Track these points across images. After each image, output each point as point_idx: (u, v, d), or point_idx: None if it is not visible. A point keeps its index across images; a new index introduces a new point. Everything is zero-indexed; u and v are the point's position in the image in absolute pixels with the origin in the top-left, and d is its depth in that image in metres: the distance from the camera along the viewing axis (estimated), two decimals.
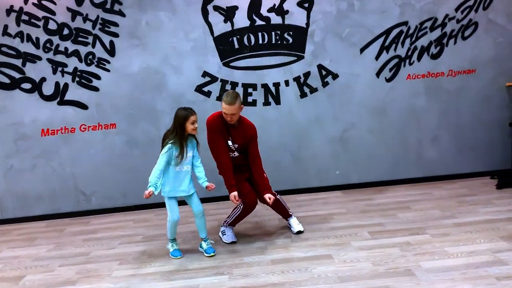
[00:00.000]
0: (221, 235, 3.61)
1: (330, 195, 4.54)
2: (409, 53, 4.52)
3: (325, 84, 4.51)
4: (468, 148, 4.70)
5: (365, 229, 3.53)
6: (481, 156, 4.71)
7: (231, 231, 3.59)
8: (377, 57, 4.50)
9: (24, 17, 4.24)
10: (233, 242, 3.50)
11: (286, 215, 3.69)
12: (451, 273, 2.69)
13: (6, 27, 4.23)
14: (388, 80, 4.55)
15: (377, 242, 3.26)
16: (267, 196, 3.35)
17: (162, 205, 4.44)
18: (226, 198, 4.31)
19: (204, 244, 3.33)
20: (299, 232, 3.57)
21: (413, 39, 4.49)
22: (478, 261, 2.82)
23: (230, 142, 3.36)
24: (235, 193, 3.31)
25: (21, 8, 4.22)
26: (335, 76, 4.51)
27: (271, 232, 3.64)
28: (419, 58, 4.53)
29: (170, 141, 3.12)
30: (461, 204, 3.94)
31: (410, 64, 4.53)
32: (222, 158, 3.33)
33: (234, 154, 3.42)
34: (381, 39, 4.47)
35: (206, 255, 3.25)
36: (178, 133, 3.11)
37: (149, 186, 3.07)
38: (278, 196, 3.56)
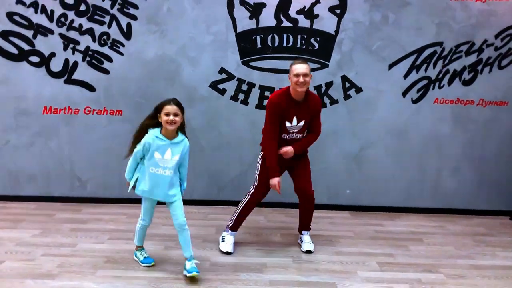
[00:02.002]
0: (220, 240, 3.36)
1: (337, 215, 4.28)
2: (440, 76, 4.25)
3: (347, 97, 4.25)
4: (489, 184, 4.42)
5: (374, 258, 3.26)
6: (502, 194, 4.43)
7: (232, 239, 3.35)
8: (405, 76, 4.24)
9: None
10: (227, 253, 3.24)
11: (305, 225, 3.46)
12: None
13: None
14: (415, 101, 4.28)
15: (386, 275, 2.99)
16: (288, 148, 3.16)
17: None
18: (226, 203, 4.07)
19: (187, 264, 2.81)
20: (308, 252, 3.32)
21: (447, 61, 4.22)
22: None
23: (294, 122, 3.16)
24: (277, 179, 3.12)
25: None
26: (358, 90, 4.25)
27: (272, 249, 3.38)
28: (449, 83, 4.26)
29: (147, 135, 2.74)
30: (478, 244, 3.66)
31: (440, 87, 4.27)
32: (271, 142, 3.16)
33: (290, 136, 3.20)
34: (413, 57, 4.21)
35: (188, 274, 2.75)
36: (150, 120, 2.77)
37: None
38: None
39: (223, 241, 3.32)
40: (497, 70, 4.25)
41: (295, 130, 3.21)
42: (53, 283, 2.70)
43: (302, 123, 3.19)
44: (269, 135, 3.16)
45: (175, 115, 2.67)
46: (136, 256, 3.04)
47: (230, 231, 3.39)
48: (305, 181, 3.30)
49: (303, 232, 3.48)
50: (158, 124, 2.76)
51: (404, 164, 4.38)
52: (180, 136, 2.78)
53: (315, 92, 4.11)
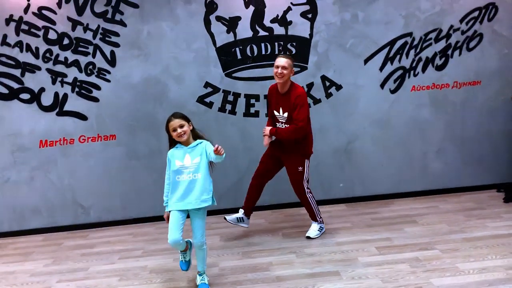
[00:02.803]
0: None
1: (334, 208, 4.45)
2: (414, 65, 4.47)
3: (328, 95, 4.45)
4: (474, 161, 4.63)
5: (372, 244, 3.44)
6: (487, 168, 4.64)
7: (242, 217, 3.79)
8: (381, 68, 4.45)
9: (24, 26, 4.17)
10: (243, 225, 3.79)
11: (312, 217, 3.78)
12: None
13: (5, 36, 4.16)
14: (393, 91, 4.49)
15: (385, 258, 3.17)
16: (267, 128, 3.58)
17: (162, 218, 4.38)
18: (226, 211, 4.22)
19: (198, 279, 2.96)
20: (308, 238, 3.65)
21: (418, 50, 4.44)
22: (490, 278, 2.74)
23: (280, 112, 3.53)
24: (267, 129, 3.58)
25: (20, 18, 4.16)
26: (338, 87, 4.45)
27: (275, 248, 3.54)
28: (423, 70, 4.48)
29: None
30: (469, 218, 3.85)
31: (415, 75, 4.49)
32: (268, 118, 3.76)
33: (280, 125, 3.56)
34: (385, 50, 4.43)
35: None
36: (170, 143, 2.96)
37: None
38: (308, 195, 3.70)
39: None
40: (466, 53, 4.48)
41: (283, 121, 3.55)
42: None
43: (286, 114, 3.51)
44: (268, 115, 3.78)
45: (181, 126, 2.82)
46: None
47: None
48: (293, 182, 3.69)
49: (312, 222, 3.80)
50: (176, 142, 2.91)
51: (390, 152, 4.58)
52: (195, 142, 2.90)
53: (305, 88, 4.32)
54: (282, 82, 3.45)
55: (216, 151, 2.71)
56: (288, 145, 3.57)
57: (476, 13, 4.41)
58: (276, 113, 3.58)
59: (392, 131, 4.55)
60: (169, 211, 2.87)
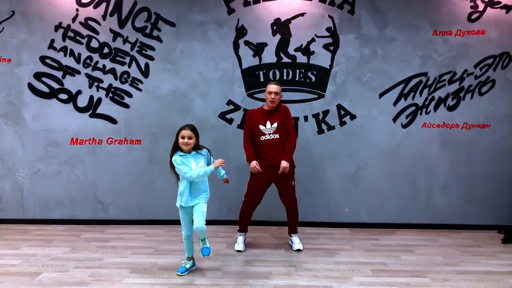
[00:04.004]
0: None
1: (337, 231, 4.65)
2: (426, 103, 4.71)
3: (342, 123, 4.71)
4: (477, 200, 4.79)
5: (368, 266, 3.64)
6: (489, 209, 4.79)
7: (242, 239, 4.06)
8: (395, 103, 4.70)
9: (70, 34, 4.59)
10: (238, 251, 3.95)
11: (293, 229, 4.11)
12: None
13: (52, 41, 4.59)
14: (404, 126, 4.73)
15: (378, 279, 3.36)
16: (282, 163, 3.84)
17: (174, 222, 4.66)
18: (235, 222, 4.46)
19: (200, 243, 3.34)
20: (299, 250, 3.93)
21: (431, 89, 4.68)
22: None
23: (267, 125, 3.89)
24: (255, 162, 3.87)
25: (68, 26, 4.59)
26: (353, 117, 4.71)
27: (276, 261, 3.76)
28: (435, 109, 4.71)
29: (171, 159, 3.29)
30: (465, 253, 4.01)
31: (427, 113, 4.72)
32: (246, 142, 3.98)
33: (268, 137, 3.89)
34: (401, 87, 4.68)
35: (202, 256, 3.33)
36: (173, 147, 3.31)
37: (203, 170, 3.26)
38: (297, 206, 4.09)
39: (236, 242, 4.09)
40: (478, 96, 4.70)
41: (271, 132, 3.91)
42: None
43: (275, 124, 3.90)
44: (244, 139, 3.99)
45: (189, 138, 3.23)
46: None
47: (239, 232, 4.14)
48: (287, 194, 4.02)
49: (292, 234, 4.13)
50: (180, 149, 3.30)
51: (397, 183, 4.78)
52: (193, 152, 3.32)
53: (320, 114, 4.60)
54: (274, 106, 3.89)
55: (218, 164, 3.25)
56: (278, 158, 3.89)
57: (490, 60, 4.64)
58: (262, 127, 3.90)
59: (400, 163, 4.76)
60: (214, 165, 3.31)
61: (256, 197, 4.01)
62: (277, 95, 3.86)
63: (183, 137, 3.22)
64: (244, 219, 4.10)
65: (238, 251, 3.95)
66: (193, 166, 3.25)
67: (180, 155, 3.27)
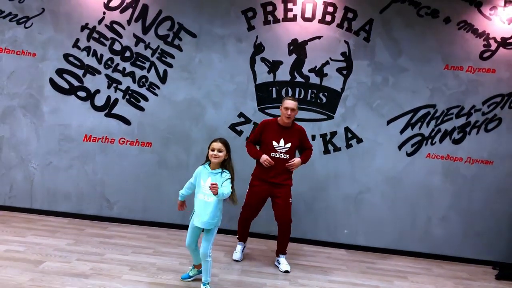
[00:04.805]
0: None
1: (334, 251, 4.73)
2: (433, 134, 4.81)
3: (349, 145, 4.83)
4: (475, 234, 4.85)
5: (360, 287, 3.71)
6: (486, 244, 4.84)
7: (240, 248, 4.15)
8: (401, 131, 4.81)
9: (95, 35, 4.77)
10: (235, 260, 4.03)
11: (282, 249, 4.06)
12: None
13: (77, 40, 4.77)
14: (409, 154, 4.83)
15: None
16: (296, 159, 3.96)
17: (176, 226, 4.79)
18: (235, 232, 4.56)
19: (191, 266, 3.46)
20: (286, 272, 3.90)
21: (439, 121, 4.79)
22: None
23: (281, 143, 3.92)
24: (265, 155, 3.90)
25: (94, 27, 4.77)
26: (359, 141, 4.82)
27: (272, 273, 3.86)
28: (441, 140, 4.81)
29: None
30: (457, 286, 4.08)
31: (432, 144, 4.82)
32: (249, 144, 4.09)
33: (279, 155, 3.93)
34: (409, 116, 4.80)
35: (181, 278, 3.40)
36: (206, 157, 3.33)
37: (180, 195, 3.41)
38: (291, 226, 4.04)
39: (234, 251, 4.19)
40: (483, 133, 4.79)
41: (283, 151, 3.93)
42: (87, 281, 3.22)
43: (289, 145, 3.93)
44: (249, 140, 4.10)
45: (219, 151, 3.21)
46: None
47: (239, 241, 4.23)
48: (285, 211, 3.96)
49: (280, 255, 4.08)
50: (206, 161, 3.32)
51: (397, 209, 4.86)
52: (220, 169, 3.24)
53: (328, 135, 4.71)
54: (290, 122, 3.94)
55: (212, 187, 3.04)
56: (282, 179, 3.94)
57: (498, 99, 4.75)
58: (275, 143, 3.92)
59: (402, 191, 4.85)
60: (182, 201, 3.43)
61: (253, 209, 4.06)
62: (293, 111, 3.88)
63: (213, 150, 3.21)
64: (242, 229, 4.18)
65: (235, 260, 4.04)
66: (207, 184, 3.12)
67: (204, 167, 3.27)
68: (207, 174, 3.25)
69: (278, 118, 4.02)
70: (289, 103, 3.87)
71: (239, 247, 4.18)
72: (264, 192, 3.99)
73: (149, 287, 3.25)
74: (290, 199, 4.00)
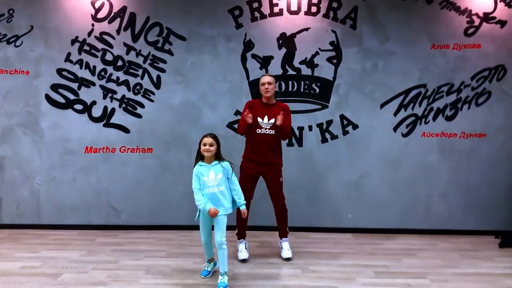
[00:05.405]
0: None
1: (341, 236, 4.84)
2: (426, 113, 4.92)
3: (345, 132, 4.93)
4: (475, 207, 4.98)
5: (371, 268, 3.83)
6: (487, 215, 4.97)
7: (243, 246, 4.12)
8: (395, 114, 4.92)
9: (86, 47, 4.83)
10: (243, 260, 3.97)
11: (283, 231, 4.15)
12: None
13: (69, 54, 4.82)
14: (404, 135, 4.94)
15: (380, 280, 3.55)
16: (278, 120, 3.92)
17: (184, 227, 4.89)
18: (250, 228, 4.66)
19: (219, 278, 3.39)
20: (288, 259, 3.99)
21: (430, 100, 4.90)
22: None
23: (265, 119, 3.98)
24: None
25: (84, 40, 4.82)
26: (355, 127, 4.92)
27: (284, 263, 3.96)
28: (434, 119, 4.92)
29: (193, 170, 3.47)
30: (463, 257, 4.20)
31: (426, 123, 4.93)
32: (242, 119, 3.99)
33: (264, 131, 3.98)
34: (401, 98, 4.90)
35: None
36: (196, 156, 3.52)
37: (203, 206, 3.36)
38: (285, 204, 4.13)
39: (238, 251, 4.11)
40: (474, 107, 4.91)
41: (268, 127, 3.98)
42: None
43: (273, 120, 3.97)
44: (241, 119, 4.01)
45: (210, 145, 3.41)
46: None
47: (239, 239, 4.21)
48: (275, 189, 4.08)
49: (282, 239, 4.17)
50: (202, 158, 3.48)
51: (398, 190, 4.98)
52: (216, 161, 3.47)
53: (324, 124, 4.81)
54: (270, 95, 4.00)
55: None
56: (271, 157, 4.01)
57: (486, 73, 4.87)
58: (260, 120, 3.97)
59: (400, 171, 4.96)
60: (210, 208, 3.35)
61: (248, 192, 3.98)
62: (270, 84, 3.96)
63: (204, 144, 3.41)
64: (240, 222, 4.17)
65: (243, 260, 3.97)
66: (211, 177, 3.40)
67: (200, 165, 3.44)
68: (206, 168, 3.43)
69: (262, 97, 4.10)
70: (265, 78, 4.00)
71: (241, 246, 4.12)
72: (254, 171, 4.03)
73: (167, 287, 3.34)
74: (281, 179, 4.08)
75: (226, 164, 3.50)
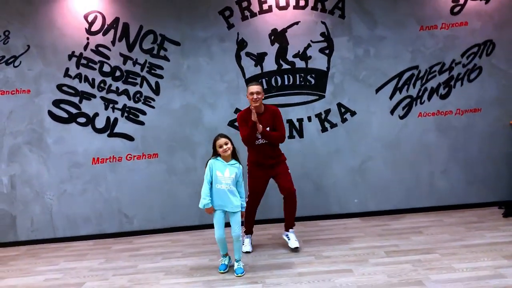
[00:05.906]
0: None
1: (349, 221, 4.97)
2: (420, 94, 5.04)
3: (344, 120, 5.04)
4: (477, 180, 5.11)
5: (382, 249, 3.95)
6: (489, 187, 5.10)
7: (249, 241, 4.24)
8: (391, 97, 5.03)
9: (83, 61, 4.92)
10: (247, 252, 4.10)
11: (290, 222, 4.19)
12: (456, 284, 3.10)
13: (67, 69, 4.92)
14: (401, 117, 5.06)
15: (392, 259, 3.68)
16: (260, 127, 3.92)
17: (196, 227, 5.01)
18: (260, 222, 4.77)
19: (235, 265, 3.65)
20: (296, 249, 4.07)
21: (424, 81, 5.02)
22: (480, 274, 3.22)
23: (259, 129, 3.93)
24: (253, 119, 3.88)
25: (81, 54, 4.92)
26: (353, 113, 5.04)
27: (297, 252, 4.07)
28: (429, 98, 5.04)
29: (207, 162, 3.62)
30: (469, 229, 4.33)
31: (421, 103, 5.05)
32: (244, 134, 4.01)
33: (261, 141, 4.02)
34: (395, 81, 5.02)
35: (235, 275, 3.60)
36: (212, 155, 3.65)
37: (206, 202, 3.53)
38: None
39: (243, 244, 4.17)
40: (467, 84, 5.03)
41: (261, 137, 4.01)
42: None
43: (267, 129, 3.99)
44: (242, 133, 4.03)
45: (226, 144, 3.56)
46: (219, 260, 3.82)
47: (246, 234, 4.29)
48: (286, 181, 4.08)
49: (289, 230, 4.20)
50: (217, 155, 3.63)
51: (400, 171, 5.10)
52: (233, 161, 3.64)
53: (322, 114, 4.92)
54: (257, 105, 3.93)
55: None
56: (276, 158, 4.10)
57: (475, 49, 4.99)
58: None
59: (401, 153, 5.08)
60: (212, 207, 3.58)
61: (259, 192, 4.15)
62: (259, 94, 3.91)
63: (220, 146, 3.54)
64: (249, 218, 4.24)
65: (247, 252, 4.10)
66: (226, 174, 3.55)
67: (217, 160, 3.58)
68: (223, 165, 3.58)
69: (250, 106, 3.99)
70: (253, 88, 3.93)
71: (247, 240, 4.23)
72: (264, 176, 4.12)
73: (188, 286, 3.46)
74: (289, 170, 4.15)
75: (240, 167, 3.66)
